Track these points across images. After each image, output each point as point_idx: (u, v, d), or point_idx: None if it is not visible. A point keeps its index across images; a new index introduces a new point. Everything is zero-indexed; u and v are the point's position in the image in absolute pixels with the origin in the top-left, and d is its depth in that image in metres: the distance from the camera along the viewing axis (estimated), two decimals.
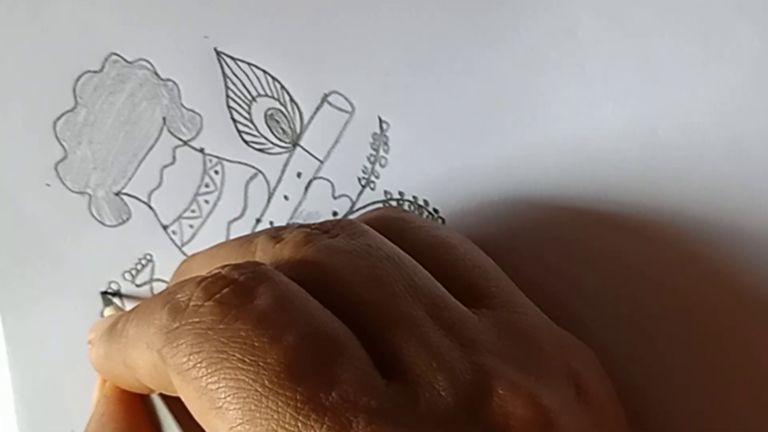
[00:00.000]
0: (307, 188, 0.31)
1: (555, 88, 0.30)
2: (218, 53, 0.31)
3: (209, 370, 0.21)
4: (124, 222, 0.32)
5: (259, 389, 0.20)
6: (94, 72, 0.31)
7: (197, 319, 0.21)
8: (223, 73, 0.31)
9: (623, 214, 0.30)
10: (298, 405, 0.20)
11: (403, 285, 0.23)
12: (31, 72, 0.31)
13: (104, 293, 0.31)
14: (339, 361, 0.21)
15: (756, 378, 0.28)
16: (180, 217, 0.31)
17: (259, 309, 0.21)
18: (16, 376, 0.31)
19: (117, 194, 0.32)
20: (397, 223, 0.26)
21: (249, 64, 0.31)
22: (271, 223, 0.31)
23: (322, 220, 0.29)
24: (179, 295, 0.22)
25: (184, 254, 0.31)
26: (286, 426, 0.20)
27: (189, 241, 0.31)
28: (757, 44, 0.29)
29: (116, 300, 0.31)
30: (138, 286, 0.32)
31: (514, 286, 0.26)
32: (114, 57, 0.31)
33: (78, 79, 0.31)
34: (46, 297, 0.31)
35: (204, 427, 0.21)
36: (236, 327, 0.21)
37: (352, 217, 0.31)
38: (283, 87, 0.31)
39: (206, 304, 0.22)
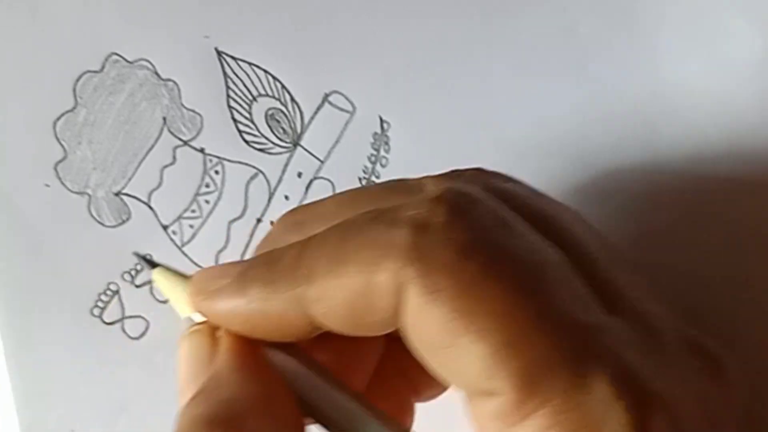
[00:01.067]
0: (307, 188, 0.31)
1: (555, 88, 0.30)
2: (219, 53, 0.31)
3: (473, 291, 0.19)
4: (123, 222, 0.32)
5: (532, 316, 0.19)
6: (95, 72, 0.31)
7: (452, 236, 0.20)
8: (224, 73, 0.31)
9: (623, 214, 0.30)
10: (572, 330, 0.19)
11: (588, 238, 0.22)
12: (31, 72, 0.31)
13: (139, 255, 0.29)
14: (583, 291, 0.20)
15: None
16: (180, 217, 0.31)
17: (518, 232, 0.20)
18: (15, 377, 0.31)
19: (117, 194, 0.31)
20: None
21: (250, 63, 0.31)
22: (272, 223, 0.31)
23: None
24: (411, 213, 0.20)
25: (185, 254, 0.31)
26: (563, 345, 0.19)
27: (189, 241, 0.31)
28: (757, 44, 0.29)
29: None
30: (137, 286, 0.31)
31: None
32: (114, 57, 0.31)
33: (78, 79, 0.31)
34: (45, 297, 0.31)
35: (445, 353, 0.20)
36: (503, 245, 0.20)
37: None
38: (283, 87, 0.31)
39: (458, 220, 0.20)
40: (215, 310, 0.23)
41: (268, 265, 0.22)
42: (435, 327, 0.20)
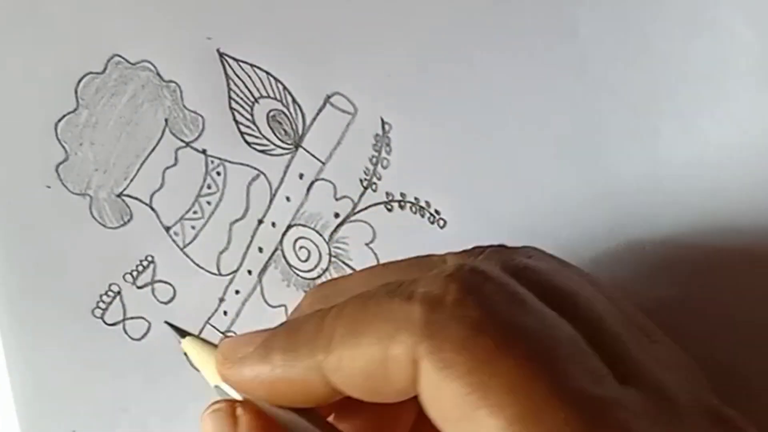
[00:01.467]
0: (309, 189, 0.31)
1: (556, 88, 0.30)
2: (221, 54, 0.31)
3: (487, 367, 0.20)
4: (125, 223, 0.32)
5: (543, 389, 0.20)
6: (97, 73, 0.31)
7: (464, 313, 0.21)
8: (226, 75, 0.31)
9: (623, 214, 0.30)
10: (582, 403, 0.20)
11: (610, 308, 0.23)
12: (33, 73, 0.31)
13: (173, 326, 0.30)
14: (596, 363, 0.21)
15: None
16: (182, 218, 0.31)
17: (529, 308, 0.21)
18: (16, 378, 0.31)
19: (118, 196, 0.32)
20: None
21: (251, 65, 0.31)
22: (273, 224, 0.31)
23: (327, 222, 0.30)
24: (425, 290, 0.21)
25: (186, 255, 0.31)
26: (575, 419, 0.19)
27: (191, 242, 0.31)
28: (757, 44, 0.29)
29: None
30: (139, 287, 0.32)
31: None
32: (116, 58, 0.31)
33: (80, 81, 0.31)
34: (46, 298, 0.31)
35: (461, 426, 0.20)
36: (515, 322, 0.21)
37: (353, 218, 0.31)
38: (285, 88, 0.31)
39: (470, 297, 0.21)
40: (241, 377, 0.24)
41: (290, 333, 0.24)
42: (450, 400, 0.20)
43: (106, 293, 0.32)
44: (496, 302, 0.21)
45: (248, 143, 0.31)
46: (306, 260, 0.31)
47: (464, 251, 0.25)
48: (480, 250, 0.24)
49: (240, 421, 0.24)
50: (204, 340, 0.28)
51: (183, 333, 0.29)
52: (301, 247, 0.31)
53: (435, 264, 0.24)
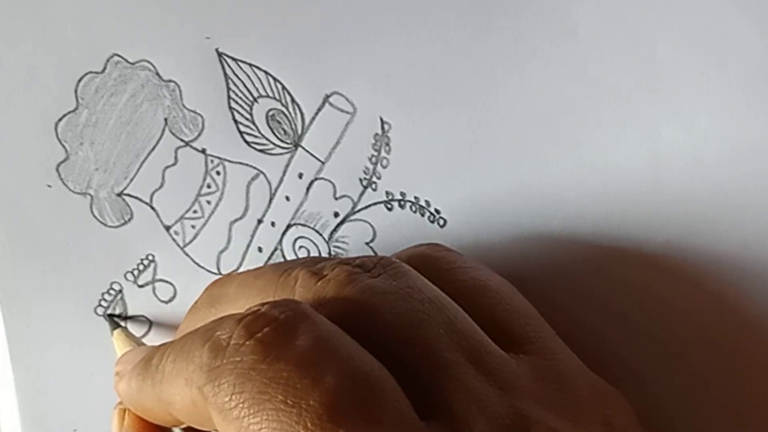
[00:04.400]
0: (308, 189, 0.31)
1: (556, 89, 0.30)
2: (220, 54, 0.31)
3: (251, 411, 0.21)
4: (126, 223, 0.32)
5: (302, 431, 0.20)
6: (96, 73, 0.31)
7: (239, 358, 0.22)
8: (225, 74, 0.31)
9: (622, 213, 0.30)
10: None
11: (444, 329, 0.23)
12: (33, 73, 0.31)
13: (110, 316, 0.31)
14: (379, 402, 0.21)
15: None
16: (182, 217, 0.32)
17: (301, 350, 0.21)
18: (19, 376, 0.31)
19: (119, 195, 0.32)
20: (437, 263, 0.27)
21: (250, 64, 0.31)
22: (272, 224, 0.31)
23: (327, 222, 0.30)
24: (219, 332, 0.22)
25: (186, 255, 0.31)
26: None
27: (191, 241, 0.31)
28: (757, 44, 0.29)
29: (123, 322, 0.31)
30: (140, 286, 0.32)
31: (552, 331, 0.26)
32: (116, 58, 0.31)
33: (80, 80, 0.31)
34: (48, 298, 0.31)
35: None
36: (278, 367, 0.21)
37: (353, 217, 0.31)
38: (284, 88, 0.31)
39: (247, 343, 0.22)
40: (117, 391, 0.27)
41: (146, 362, 0.25)
42: None
43: (107, 292, 0.32)
44: (270, 346, 0.21)
45: (247, 143, 0.31)
46: None
47: (309, 275, 0.25)
48: (360, 261, 0.25)
49: (126, 419, 0.27)
50: (131, 337, 0.30)
51: (116, 325, 0.30)
52: (300, 247, 0.31)
53: (290, 283, 0.25)
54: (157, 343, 0.31)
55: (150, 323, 0.32)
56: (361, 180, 0.31)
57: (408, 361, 0.22)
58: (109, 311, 0.32)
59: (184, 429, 0.26)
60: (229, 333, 0.22)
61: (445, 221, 0.31)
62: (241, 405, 0.21)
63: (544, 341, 0.25)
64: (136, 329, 0.32)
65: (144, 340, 0.31)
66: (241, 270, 0.31)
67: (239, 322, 0.22)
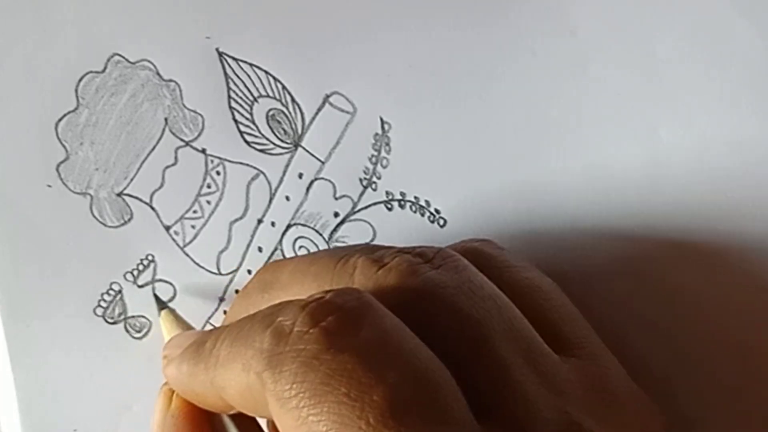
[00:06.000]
0: (308, 189, 0.31)
1: (556, 89, 0.30)
2: (220, 54, 0.31)
3: (312, 401, 0.20)
4: (125, 223, 0.32)
5: (363, 426, 0.20)
6: (97, 72, 0.31)
7: (302, 346, 0.21)
8: (225, 74, 0.31)
9: (621, 213, 0.30)
10: None
11: (503, 328, 0.23)
12: (33, 72, 0.31)
13: (156, 296, 0.31)
14: (440, 403, 0.21)
15: None
16: (182, 217, 0.31)
17: (366, 342, 0.21)
18: (19, 377, 0.31)
19: (119, 195, 0.32)
20: (492, 260, 0.26)
21: (251, 64, 0.31)
22: (273, 224, 0.31)
23: (327, 222, 0.30)
24: (281, 318, 0.22)
25: (186, 255, 0.31)
26: None
27: (191, 241, 0.31)
28: (757, 44, 0.29)
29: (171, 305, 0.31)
30: (140, 286, 0.32)
31: (598, 338, 0.26)
32: (116, 57, 0.31)
33: (80, 80, 0.31)
34: (47, 298, 0.31)
35: None
36: (342, 359, 0.21)
37: (353, 217, 0.31)
38: (284, 87, 0.31)
39: (311, 331, 0.21)
40: (165, 375, 0.27)
41: (198, 346, 0.25)
42: (287, 430, 0.21)
43: (107, 292, 0.32)
44: (334, 336, 0.21)
45: (248, 142, 0.31)
46: None
47: (368, 261, 0.24)
48: (418, 251, 0.25)
49: (174, 403, 0.26)
50: (179, 319, 0.30)
51: (163, 305, 0.30)
52: (300, 247, 0.31)
53: (348, 270, 0.24)
54: (159, 342, 0.31)
55: (150, 323, 0.32)
56: (361, 180, 0.31)
57: (466, 358, 0.22)
58: (108, 311, 0.31)
59: (232, 415, 0.26)
60: (293, 320, 0.22)
61: (445, 221, 0.31)
62: (301, 395, 0.20)
63: (593, 347, 0.25)
64: (135, 329, 0.32)
65: (144, 341, 0.31)
66: (241, 270, 0.31)
67: (303, 309, 0.22)
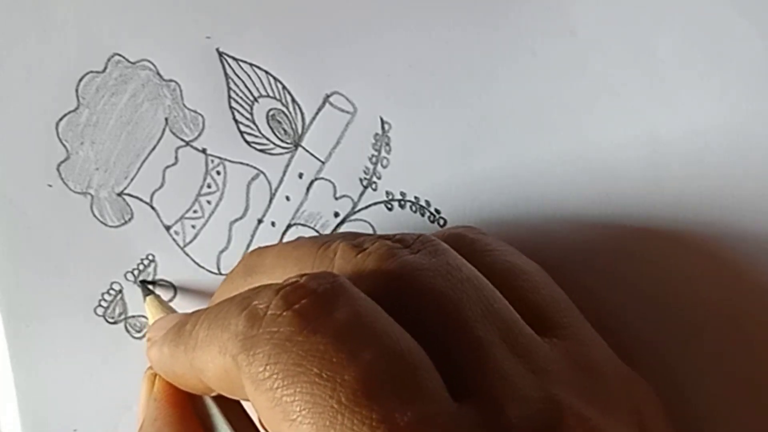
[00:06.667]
0: (308, 189, 0.31)
1: (556, 89, 0.30)
2: (220, 54, 0.31)
3: (285, 382, 0.21)
4: (126, 222, 0.32)
5: (335, 405, 0.20)
6: (97, 72, 0.31)
7: (275, 329, 0.21)
8: (225, 74, 0.31)
9: (621, 213, 0.30)
10: (374, 424, 0.20)
11: (481, 309, 0.23)
12: (34, 72, 0.31)
13: (143, 282, 0.31)
14: (414, 381, 0.21)
15: None
16: (182, 217, 0.32)
17: (338, 323, 0.21)
18: (19, 376, 0.31)
19: (119, 195, 0.32)
20: (474, 244, 0.26)
21: (251, 64, 0.31)
22: (273, 224, 0.31)
23: (327, 222, 0.30)
24: (256, 302, 0.22)
25: (187, 254, 0.31)
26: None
27: (191, 241, 0.31)
28: (757, 44, 0.29)
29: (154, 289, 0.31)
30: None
31: (583, 318, 0.26)
32: (117, 57, 0.31)
33: (80, 80, 0.31)
34: (47, 298, 0.31)
35: None
36: (315, 340, 0.21)
37: (353, 217, 0.31)
38: (284, 87, 0.31)
39: (285, 313, 0.21)
40: (148, 357, 0.27)
41: (179, 327, 0.25)
42: (263, 412, 0.21)
43: (107, 292, 0.32)
44: (307, 318, 0.21)
45: (248, 142, 0.31)
46: None
47: (348, 248, 0.25)
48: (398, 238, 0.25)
49: (156, 386, 0.27)
50: (164, 304, 0.30)
51: (149, 292, 0.30)
52: None
53: (329, 255, 0.25)
54: None
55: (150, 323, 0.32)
56: (361, 180, 0.31)
57: (443, 339, 0.22)
58: (109, 311, 0.32)
59: (215, 397, 0.26)
60: (267, 303, 0.22)
61: (445, 221, 0.31)
62: (275, 376, 0.21)
63: (577, 327, 0.25)
64: (136, 328, 0.32)
65: (144, 341, 0.31)
66: None
67: (277, 293, 0.22)
